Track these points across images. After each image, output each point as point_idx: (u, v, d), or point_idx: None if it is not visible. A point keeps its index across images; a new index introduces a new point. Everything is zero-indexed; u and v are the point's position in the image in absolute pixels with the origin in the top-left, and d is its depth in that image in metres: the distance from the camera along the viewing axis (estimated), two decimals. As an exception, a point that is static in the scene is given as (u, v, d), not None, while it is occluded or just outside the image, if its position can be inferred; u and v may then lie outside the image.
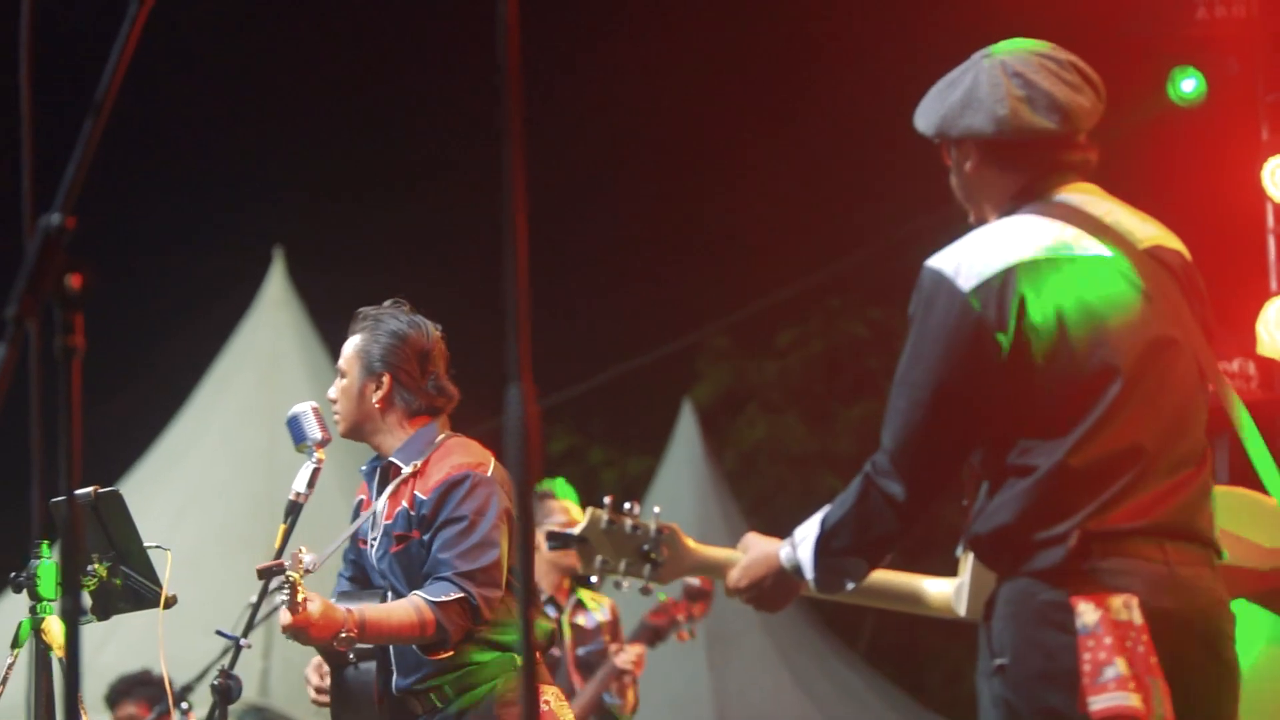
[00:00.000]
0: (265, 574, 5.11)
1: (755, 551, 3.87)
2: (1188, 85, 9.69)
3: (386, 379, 5.44)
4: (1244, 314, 9.54)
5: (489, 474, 5.30)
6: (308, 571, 5.10)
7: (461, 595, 5.16)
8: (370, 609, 5.20)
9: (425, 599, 5.18)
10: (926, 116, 3.80)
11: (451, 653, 5.25)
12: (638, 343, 18.12)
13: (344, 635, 5.12)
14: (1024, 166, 3.72)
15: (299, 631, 5.10)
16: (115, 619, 5.67)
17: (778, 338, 21.64)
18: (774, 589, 3.85)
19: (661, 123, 21.20)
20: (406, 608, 5.19)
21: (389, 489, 5.40)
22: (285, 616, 5.06)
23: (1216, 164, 9.91)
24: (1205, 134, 10.02)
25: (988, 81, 3.70)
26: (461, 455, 5.35)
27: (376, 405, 5.44)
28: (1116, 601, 3.45)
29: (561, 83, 19.66)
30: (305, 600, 5.04)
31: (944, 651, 20.05)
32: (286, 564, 5.01)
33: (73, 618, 2.84)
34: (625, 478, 20.55)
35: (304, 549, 5.06)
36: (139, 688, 9.26)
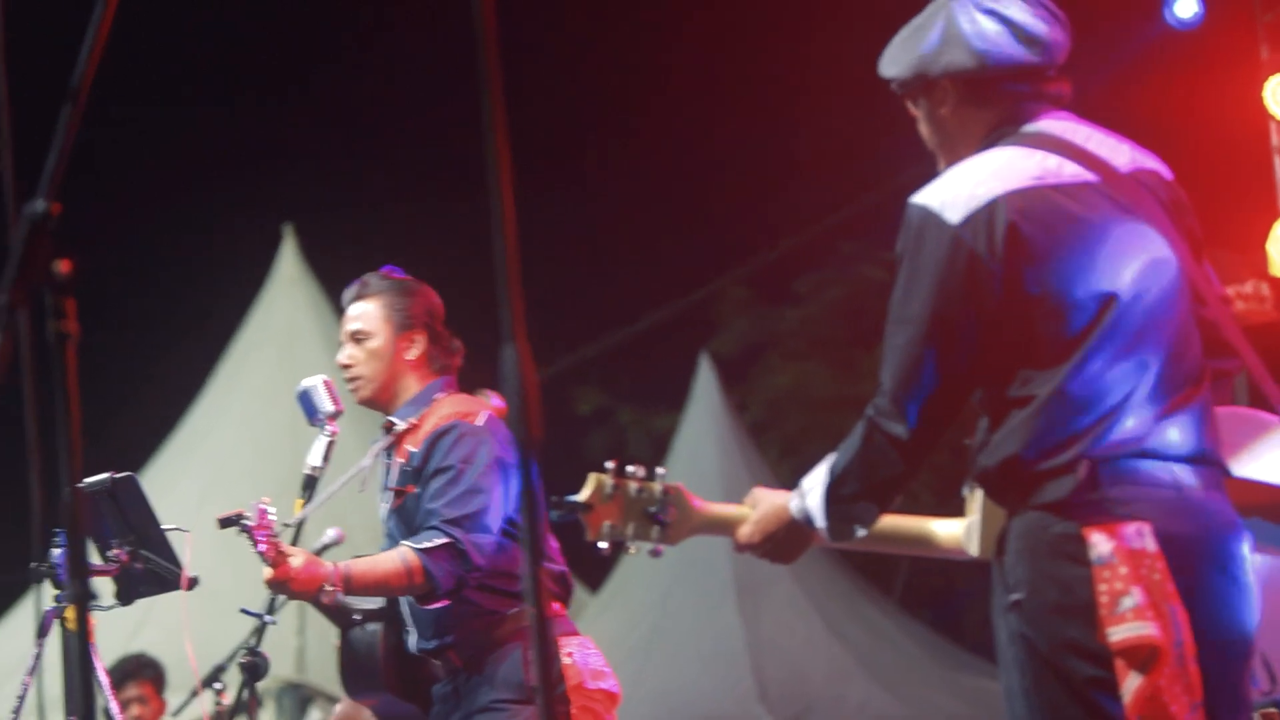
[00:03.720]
0: (225, 524, 5.07)
1: (765, 505, 3.84)
2: (1184, 8, 9.62)
3: (422, 336, 5.44)
4: (1254, 235, 9.49)
5: (478, 423, 5.28)
6: (286, 525, 5.11)
7: (447, 540, 5.14)
8: (356, 562, 5.20)
9: (411, 547, 5.17)
10: (898, 62, 3.80)
11: (446, 602, 5.21)
12: (657, 298, 18.10)
13: (329, 588, 5.11)
14: (1003, 101, 3.72)
15: (281, 585, 5.11)
16: (150, 603, 5.70)
17: (796, 284, 21.63)
18: (786, 541, 3.83)
19: (671, 75, 21.14)
20: (393, 558, 5.18)
21: (380, 444, 5.40)
22: (266, 571, 5.07)
23: (1217, 86, 9.85)
24: (1204, 56, 9.97)
25: (964, 18, 3.71)
26: (452, 406, 5.35)
27: (410, 361, 5.42)
28: (1129, 530, 3.43)
29: (568, 32, 19.58)
30: (284, 553, 5.05)
31: (982, 591, 19.98)
32: (247, 513, 5.01)
33: (81, 603, 2.85)
34: (651, 435, 20.55)
35: (267, 499, 5.05)
36: (142, 669, 9.29)
